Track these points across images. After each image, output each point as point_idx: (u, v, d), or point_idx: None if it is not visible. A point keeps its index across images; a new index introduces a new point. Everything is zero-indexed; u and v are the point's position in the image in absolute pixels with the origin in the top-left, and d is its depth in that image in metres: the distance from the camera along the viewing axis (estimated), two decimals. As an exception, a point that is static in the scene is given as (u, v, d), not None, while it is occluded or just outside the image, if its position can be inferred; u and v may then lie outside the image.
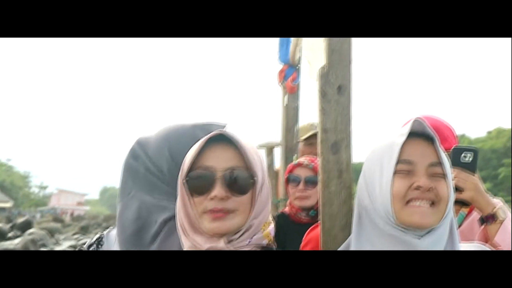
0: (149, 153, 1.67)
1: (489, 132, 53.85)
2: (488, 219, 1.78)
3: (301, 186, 2.73)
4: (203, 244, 1.36)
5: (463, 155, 1.75)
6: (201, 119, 1.71)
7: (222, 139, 1.38)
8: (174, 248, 1.59)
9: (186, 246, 1.41)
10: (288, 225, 2.69)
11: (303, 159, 2.80)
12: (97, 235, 2.01)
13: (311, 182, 2.70)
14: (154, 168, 1.66)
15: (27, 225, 29.14)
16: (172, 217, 1.62)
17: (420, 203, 1.37)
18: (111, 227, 1.90)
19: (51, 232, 23.83)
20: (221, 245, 1.35)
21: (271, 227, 1.43)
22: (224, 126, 1.63)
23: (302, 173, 2.75)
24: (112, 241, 1.83)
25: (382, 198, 1.39)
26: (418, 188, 1.37)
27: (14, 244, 23.08)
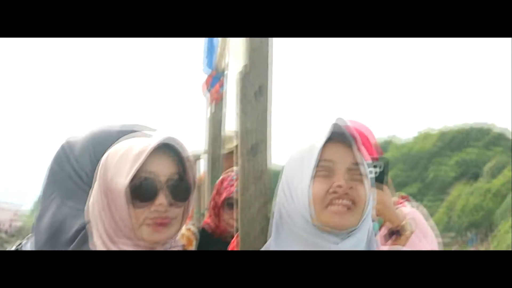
0: (73, 155, 1.63)
1: (416, 137, 54.74)
2: (395, 232, 1.77)
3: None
4: None
5: (369, 170, 1.73)
6: (128, 121, 1.63)
7: (162, 146, 1.30)
8: None
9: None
10: (213, 243, 2.57)
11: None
12: (17, 244, 1.90)
13: None
14: (78, 170, 1.61)
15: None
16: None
17: (340, 203, 1.34)
18: (30, 235, 1.81)
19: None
20: None
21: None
22: (154, 130, 1.55)
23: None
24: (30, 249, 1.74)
25: (302, 201, 1.35)
26: (338, 187, 1.35)
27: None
